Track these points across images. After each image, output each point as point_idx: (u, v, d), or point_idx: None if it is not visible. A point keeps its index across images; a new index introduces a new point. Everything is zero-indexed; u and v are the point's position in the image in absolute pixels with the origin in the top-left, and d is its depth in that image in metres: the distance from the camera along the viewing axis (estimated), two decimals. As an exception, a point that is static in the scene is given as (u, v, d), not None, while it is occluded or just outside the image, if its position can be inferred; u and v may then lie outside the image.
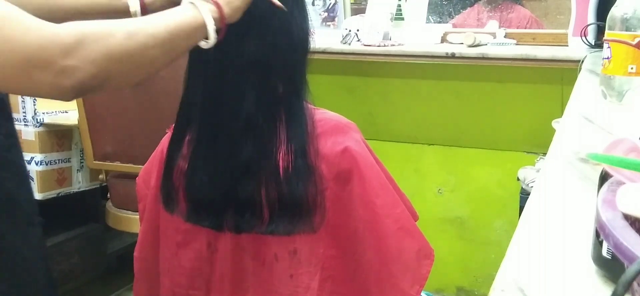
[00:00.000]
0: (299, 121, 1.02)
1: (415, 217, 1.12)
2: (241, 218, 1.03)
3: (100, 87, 0.70)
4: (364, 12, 2.37)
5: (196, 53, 1.03)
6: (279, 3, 0.95)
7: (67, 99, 0.69)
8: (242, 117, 0.99)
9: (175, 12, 0.81)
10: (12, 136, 1.23)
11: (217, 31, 0.85)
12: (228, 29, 0.89)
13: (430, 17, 2.61)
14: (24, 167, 1.20)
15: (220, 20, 0.84)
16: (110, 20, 0.73)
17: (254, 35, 0.97)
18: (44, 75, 0.65)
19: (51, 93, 0.67)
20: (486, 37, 2.14)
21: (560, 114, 1.20)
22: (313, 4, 2.56)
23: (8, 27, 0.63)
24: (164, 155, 1.10)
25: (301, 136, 1.01)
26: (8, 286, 1.05)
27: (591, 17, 1.87)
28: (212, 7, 0.83)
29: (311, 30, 1.06)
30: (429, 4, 2.49)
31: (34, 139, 2.18)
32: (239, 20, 0.91)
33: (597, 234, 0.52)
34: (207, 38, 0.84)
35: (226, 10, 0.85)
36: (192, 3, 0.81)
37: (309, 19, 1.06)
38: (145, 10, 0.93)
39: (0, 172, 1.11)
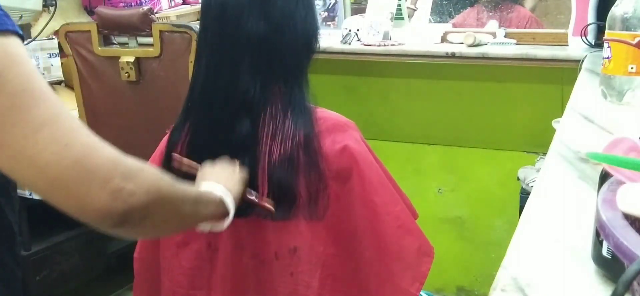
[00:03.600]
0: (303, 110, 1.03)
1: (414, 215, 1.12)
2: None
3: (141, 221, 0.71)
4: (364, 12, 2.37)
5: (202, 37, 1.05)
6: None
7: (111, 222, 0.68)
8: (238, 95, 1.01)
9: (205, 192, 0.89)
10: None
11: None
12: (230, 7, 1.00)
13: (430, 16, 2.60)
14: (15, 190, 1.22)
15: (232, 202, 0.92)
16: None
17: (254, 13, 0.99)
18: (102, 192, 0.66)
19: (100, 212, 0.67)
20: (486, 36, 2.14)
21: (560, 114, 1.20)
22: (313, 3, 2.56)
23: (86, 135, 0.67)
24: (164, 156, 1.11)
25: (306, 125, 1.02)
26: None
27: (591, 16, 1.87)
28: (226, 192, 0.92)
29: (317, 28, 1.08)
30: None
31: (34, 138, 2.16)
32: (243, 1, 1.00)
33: (597, 234, 0.52)
34: (221, 221, 0.91)
35: (235, 199, 0.93)
36: (216, 193, 0.90)
37: (316, 17, 1.09)
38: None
39: (1, 199, 1.12)
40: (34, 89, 0.64)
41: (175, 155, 1.02)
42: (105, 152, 0.67)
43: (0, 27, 0.63)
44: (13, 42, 0.65)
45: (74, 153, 0.65)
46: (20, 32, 0.67)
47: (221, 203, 0.89)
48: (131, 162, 0.69)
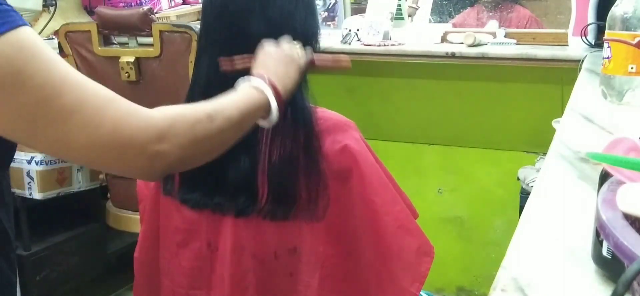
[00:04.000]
0: (303, 110, 1.02)
1: (415, 215, 1.12)
2: (236, 200, 1.03)
3: (182, 168, 0.75)
4: (364, 12, 2.37)
5: (202, 37, 1.04)
6: None
7: (155, 180, 0.74)
8: None
9: (244, 94, 0.86)
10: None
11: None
12: (230, 7, 1.00)
13: (430, 16, 2.61)
14: (10, 195, 1.21)
15: (277, 98, 0.90)
16: (193, 105, 0.80)
17: (255, 13, 0.99)
18: (139, 159, 0.70)
19: (142, 175, 0.72)
20: (486, 37, 2.14)
21: (560, 114, 1.20)
22: (313, 3, 2.56)
23: (114, 108, 0.68)
24: None
25: (306, 125, 1.02)
26: None
27: (591, 16, 1.87)
28: (270, 89, 0.89)
29: (318, 28, 1.07)
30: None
31: (34, 139, 2.16)
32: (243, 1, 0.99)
33: (597, 234, 0.52)
34: (267, 115, 0.89)
35: (281, 90, 0.90)
36: (255, 87, 0.87)
37: (317, 17, 1.09)
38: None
39: None
40: (54, 78, 0.65)
41: (223, 59, 0.99)
42: (134, 119, 0.69)
43: (11, 23, 0.64)
44: (26, 34, 0.65)
45: (106, 131, 0.67)
46: (27, 23, 0.68)
47: (267, 106, 0.87)
48: (161, 119, 0.71)
